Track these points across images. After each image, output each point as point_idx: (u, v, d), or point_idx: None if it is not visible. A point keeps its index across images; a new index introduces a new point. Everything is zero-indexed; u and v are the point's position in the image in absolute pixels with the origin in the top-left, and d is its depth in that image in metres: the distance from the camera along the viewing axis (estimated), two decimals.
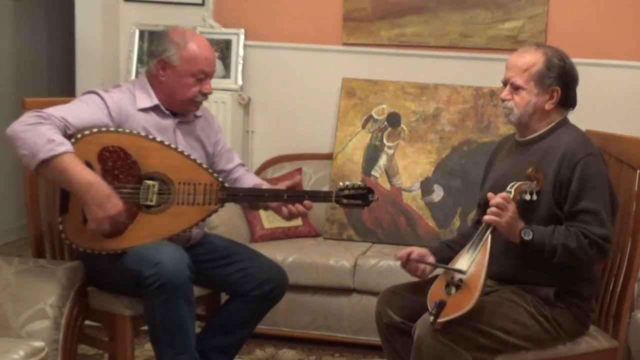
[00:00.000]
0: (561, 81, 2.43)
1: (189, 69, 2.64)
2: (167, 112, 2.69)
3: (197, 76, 2.64)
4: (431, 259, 2.52)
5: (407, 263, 2.49)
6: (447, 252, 2.57)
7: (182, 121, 2.73)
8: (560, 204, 2.36)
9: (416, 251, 2.51)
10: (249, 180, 2.87)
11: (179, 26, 2.74)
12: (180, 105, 2.69)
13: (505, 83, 2.49)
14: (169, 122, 2.70)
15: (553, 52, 2.46)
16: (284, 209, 2.67)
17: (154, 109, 2.67)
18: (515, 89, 2.45)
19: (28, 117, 2.42)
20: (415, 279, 2.59)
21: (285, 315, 3.50)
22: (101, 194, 2.40)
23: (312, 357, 3.45)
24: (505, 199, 2.28)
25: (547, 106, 2.45)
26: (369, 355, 3.45)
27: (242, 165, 2.94)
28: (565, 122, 2.50)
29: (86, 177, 2.39)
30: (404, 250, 2.52)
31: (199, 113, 2.81)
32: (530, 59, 2.44)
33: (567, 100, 2.47)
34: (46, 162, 2.37)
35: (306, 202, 2.66)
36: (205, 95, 2.70)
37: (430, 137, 3.91)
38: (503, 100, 2.48)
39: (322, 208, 3.90)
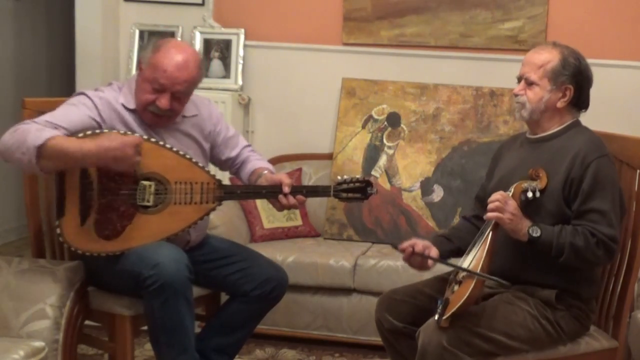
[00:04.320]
0: (575, 80, 2.44)
1: (149, 75, 2.55)
2: None
3: (153, 85, 2.54)
4: (434, 250, 2.49)
5: (411, 256, 2.47)
6: (447, 245, 2.57)
7: (168, 125, 2.67)
8: (569, 202, 2.36)
9: (420, 244, 2.47)
10: (253, 164, 2.83)
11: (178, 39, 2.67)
12: (138, 110, 2.60)
13: (520, 79, 2.49)
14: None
15: (569, 52, 2.46)
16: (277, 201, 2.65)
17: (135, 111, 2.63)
18: (529, 84, 2.45)
19: (12, 127, 2.42)
20: (410, 281, 2.59)
21: (285, 315, 3.50)
22: (104, 153, 2.37)
23: (312, 357, 3.45)
24: (503, 196, 2.29)
25: (559, 104, 2.45)
26: (369, 355, 3.45)
27: (248, 146, 2.90)
28: (577, 123, 2.50)
29: (85, 146, 2.37)
30: (406, 243, 2.47)
31: (190, 113, 2.73)
32: (547, 56, 2.45)
33: (580, 101, 2.47)
34: (43, 148, 2.34)
35: (299, 196, 2.64)
36: (159, 109, 2.55)
37: (430, 137, 3.91)
38: (516, 95, 2.48)
39: (322, 208, 3.91)
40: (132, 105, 2.61)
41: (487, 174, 2.68)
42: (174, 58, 2.54)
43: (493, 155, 2.72)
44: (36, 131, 2.37)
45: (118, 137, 2.43)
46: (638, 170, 2.53)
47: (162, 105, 2.55)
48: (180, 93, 2.57)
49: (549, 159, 2.41)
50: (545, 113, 2.46)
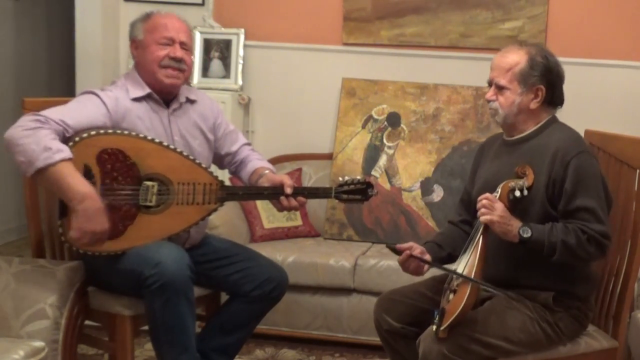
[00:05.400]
0: (545, 79, 2.40)
1: (152, 38, 2.65)
2: (160, 99, 2.68)
3: (160, 42, 2.65)
4: (427, 257, 2.49)
5: (407, 259, 2.45)
6: (438, 252, 2.54)
7: (176, 108, 2.72)
8: (554, 203, 2.34)
9: (418, 248, 2.46)
10: (253, 163, 2.85)
11: None
12: (154, 78, 2.65)
13: (490, 83, 2.46)
14: (163, 111, 2.68)
15: (536, 50, 2.42)
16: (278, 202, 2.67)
17: (148, 98, 2.66)
18: (500, 89, 2.42)
19: (26, 122, 2.40)
20: (410, 282, 2.59)
21: (285, 315, 3.50)
22: (93, 207, 2.38)
23: (312, 357, 3.45)
24: (489, 199, 2.28)
25: (533, 105, 2.42)
26: (369, 355, 3.45)
27: (248, 144, 2.93)
28: (554, 120, 2.47)
29: (81, 188, 2.37)
30: (404, 244, 2.45)
31: (192, 97, 2.78)
32: (513, 58, 2.41)
33: (554, 98, 2.44)
34: (42, 171, 2.35)
35: (300, 198, 2.66)
36: (174, 60, 2.65)
37: (430, 137, 3.91)
38: (489, 101, 2.46)
39: (322, 208, 3.91)
40: (142, 92, 2.65)
41: (469, 177, 2.65)
42: (166, 15, 2.72)
43: (474, 157, 2.67)
44: (43, 151, 2.34)
45: (106, 219, 2.42)
46: (638, 170, 2.52)
47: (177, 53, 2.65)
48: (185, 44, 2.69)
49: (529, 160, 2.37)
50: (519, 116, 2.43)
